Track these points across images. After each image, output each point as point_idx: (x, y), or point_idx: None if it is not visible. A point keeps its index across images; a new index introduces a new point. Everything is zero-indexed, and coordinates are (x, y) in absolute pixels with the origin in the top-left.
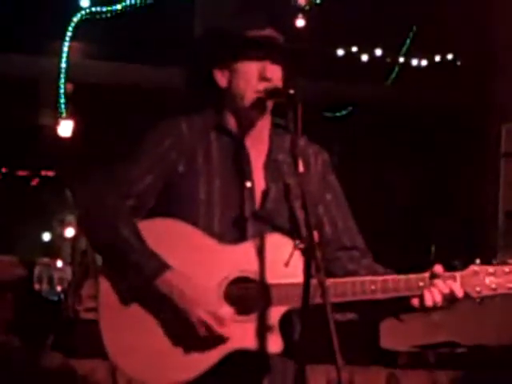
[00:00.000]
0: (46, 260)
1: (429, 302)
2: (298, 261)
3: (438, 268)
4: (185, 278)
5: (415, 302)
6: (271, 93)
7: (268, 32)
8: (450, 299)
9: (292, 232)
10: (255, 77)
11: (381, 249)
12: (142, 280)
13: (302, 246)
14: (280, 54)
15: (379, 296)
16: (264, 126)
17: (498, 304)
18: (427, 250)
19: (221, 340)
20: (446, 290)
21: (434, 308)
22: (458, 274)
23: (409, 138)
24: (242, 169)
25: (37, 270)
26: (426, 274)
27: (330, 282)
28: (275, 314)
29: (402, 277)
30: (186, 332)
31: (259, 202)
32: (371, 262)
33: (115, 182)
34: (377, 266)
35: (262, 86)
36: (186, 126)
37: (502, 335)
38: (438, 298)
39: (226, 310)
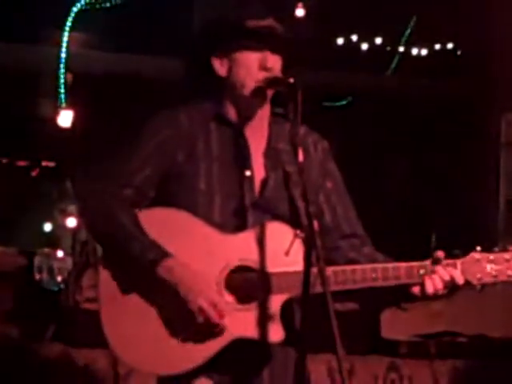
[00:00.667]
0: (46, 250)
1: (430, 290)
2: (298, 249)
3: (440, 253)
4: (185, 266)
5: (416, 289)
6: (271, 81)
7: (268, 22)
8: (451, 287)
9: (292, 220)
10: (255, 66)
11: (381, 238)
12: (142, 268)
13: (302, 234)
14: (280, 44)
15: (380, 284)
16: (264, 115)
17: (500, 293)
18: (428, 240)
19: (219, 330)
20: (447, 277)
21: (435, 296)
22: (458, 262)
23: (409, 127)
24: (242, 158)
25: (37, 260)
26: (427, 262)
27: (330, 270)
28: (276, 302)
29: (402, 264)
30: (186, 320)
31: (258, 191)
32: (372, 251)
33: (114, 173)
34: (377, 254)
35: (262, 75)
36: (185, 117)
37: (503, 325)
38: (440, 285)
39: (227, 299)
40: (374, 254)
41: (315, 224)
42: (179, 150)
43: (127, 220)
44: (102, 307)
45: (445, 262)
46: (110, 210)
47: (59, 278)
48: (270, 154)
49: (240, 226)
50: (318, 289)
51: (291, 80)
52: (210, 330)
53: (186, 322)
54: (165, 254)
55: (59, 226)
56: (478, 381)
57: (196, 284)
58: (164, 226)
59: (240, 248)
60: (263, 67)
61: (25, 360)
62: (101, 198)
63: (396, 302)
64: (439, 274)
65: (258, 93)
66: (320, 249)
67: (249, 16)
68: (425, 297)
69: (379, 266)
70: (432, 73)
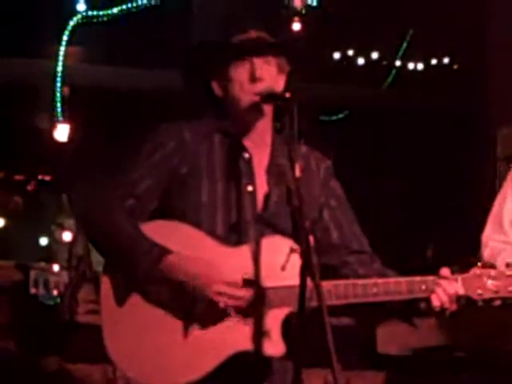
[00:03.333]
0: (41, 264)
1: (436, 303)
2: (296, 263)
3: (445, 271)
4: (189, 258)
5: (423, 305)
6: (267, 96)
7: (253, 34)
8: (456, 302)
9: (294, 236)
10: (246, 79)
11: (380, 251)
12: (145, 269)
13: (297, 249)
14: (266, 48)
15: (381, 298)
16: (265, 130)
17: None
18: (424, 253)
19: (230, 312)
20: (452, 291)
21: (443, 311)
22: (459, 277)
23: (406, 141)
24: (245, 173)
25: (33, 274)
26: (430, 278)
27: (331, 284)
28: (277, 316)
29: (403, 279)
30: (194, 320)
31: (261, 206)
32: (381, 267)
33: (115, 184)
34: (387, 270)
35: (256, 87)
36: (189, 130)
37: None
38: (444, 298)
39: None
40: (384, 270)
41: (310, 238)
42: (182, 163)
43: (127, 225)
44: (103, 320)
45: (448, 277)
46: (109, 217)
47: (55, 292)
48: (273, 169)
49: (242, 240)
50: (315, 303)
51: (287, 94)
52: (222, 313)
53: (190, 323)
54: (166, 251)
55: (55, 240)
56: None
57: (205, 270)
58: (166, 238)
59: (242, 261)
60: (254, 77)
61: (21, 374)
62: (101, 206)
63: (406, 318)
64: (442, 287)
65: (254, 108)
66: (315, 264)
67: (233, 32)
68: (432, 311)
69: (380, 280)
70: (428, 87)
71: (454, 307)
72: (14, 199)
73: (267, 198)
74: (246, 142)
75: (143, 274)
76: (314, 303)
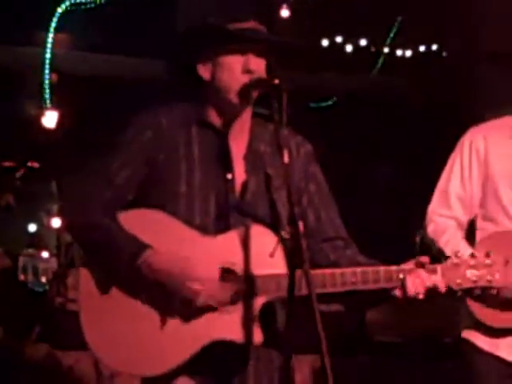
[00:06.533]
0: (30, 251)
1: (411, 291)
2: (281, 252)
3: (424, 258)
4: (167, 254)
5: (397, 291)
6: (256, 83)
7: (251, 24)
8: (432, 292)
9: (273, 223)
10: (239, 70)
11: (365, 240)
12: (123, 262)
13: (287, 236)
14: (263, 47)
15: (360, 287)
16: (246, 117)
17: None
18: (412, 243)
19: (210, 307)
20: (429, 282)
21: (415, 299)
22: (438, 267)
23: (394, 128)
24: (223, 161)
25: (21, 261)
26: (407, 266)
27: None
28: (256, 305)
29: (381, 268)
30: (169, 313)
31: (239, 194)
32: (355, 253)
33: (94, 175)
34: (360, 256)
35: (246, 78)
36: (166, 119)
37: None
38: (421, 288)
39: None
40: (357, 256)
41: (300, 226)
42: (160, 153)
43: (105, 219)
44: (82, 309)
45: (426, 266)
46: (87, 210)
47: (44, 279)
48: (251, 156)
49: (221, 229)
50: (303, 291)
51: (276, 81)
52: (199, 309)
53: (168, 314)
54: (145, 246)
55: (44, 227)
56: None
57: (181, 266)
58: (145, 227)
59: (221, 250)
60: (246, 70)
61: (9, 360)
62: (79, 199)
63: (377, 304)
64: (421, 278)
65: (244, 94)
66: (305, 251)
67: (231, 19)
68: (405, 299)
69: (359, 269)
70: (417, 74)
71: (424, 296)
72: (6, 197)
73: (245, 185)
74: (225, 130)
75: (121, 269)
76: (300, 291)
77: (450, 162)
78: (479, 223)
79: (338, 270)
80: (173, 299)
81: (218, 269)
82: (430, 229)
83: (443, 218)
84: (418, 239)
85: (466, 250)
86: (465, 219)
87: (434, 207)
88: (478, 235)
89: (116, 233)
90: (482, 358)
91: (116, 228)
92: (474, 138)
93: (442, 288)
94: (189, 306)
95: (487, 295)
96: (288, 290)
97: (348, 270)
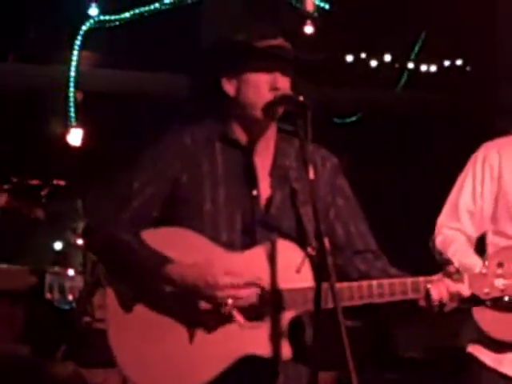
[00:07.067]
0: (56, 269)
1: (436, 297)
2: (307, 267)
3: (452, 268)
4: (188, 265)
5: (422, 301)
6: (281, 100)
7: (278, 42)
8: (459, 301)
9: (298, 238)
10: (265, 87)
11: (391, 253)
12: (146, 275)
13: (313, 252)
14: (290, 65)
15: (387, 299)
16: (271, 133)
17: None
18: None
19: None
20: (454, 288)
21: (441, 308)
22: (466, 276)
23: (419, 143)
24: (248, 177)
25: (48, 279)
26: (435, 277)
27: (337, 286)
28: (284, 319)
29: (408, 279)
30: (195, 328)
31: (264, 209)
32: (385, 265)
33: (118, 192)
34: (392, 268)
35: (272, 95)
36: (189, 137)
37: None
38: (445, 294)
39: (237, 317)
40: (387, 268)
41: (326, 242)
42: (184, 170)
43: (127, 236)
44: (109, 327)
45: (453, 276)
46: (109, 230)
47: (70, 297)
48: (276, 172)
49: (247, 245)
50: (329, 304)
51: (301, 98)
52: (226, 317)
53: (194, 329)
54: (166, 259)
55: (70, 245)
56: None
57: (202, 277)
58: (169, 245)
59: (247, 265)
60: (273, 88)
61: (36, 379)
62: (101, 219)
63: (402, 316)
64: (446, 285)
65: (268, 111)
66: (331, 267)
67: (258, 36)
68: (431, 307)
69: (386, 281)
70: (441, 89)
71: (453, 305)
72: (35, 210)
73: (270, 200)
74: (250, 146)
75: (145, 282)
76: (326, 305)
77: (462, 175)
78: (490, 238)
79: (365, 283)
80: (199, 311)
81: (243, 280)
82: (439, 240)
83: (452, 231)
84: (431, 245)
85: (475, 260)
86: (474, 234)
87: (444, 220)
88: (489, 249)
89: (138, 248)
90: (486, 374)
91: (138, 243)
92: (488, 154)
93: (466, 294)
94: (215, 317)
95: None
96: (314, 304)
97: (375, 282)
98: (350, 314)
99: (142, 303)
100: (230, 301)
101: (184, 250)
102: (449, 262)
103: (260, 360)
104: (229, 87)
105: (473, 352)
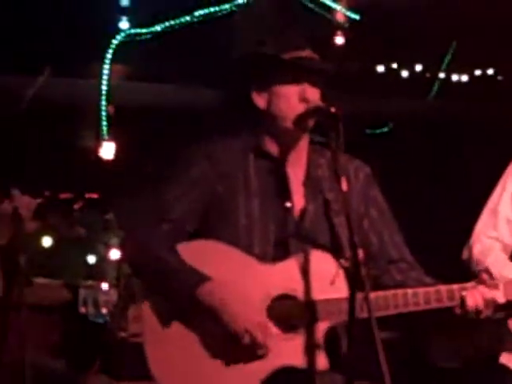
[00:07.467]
0: (90, 283)
1: (471, 303)
2: (341, 278)
3: (485, 275)
4: (226, 288)
5: (457, 309)
6: (312, 111)
7: (306, 53)
8: (494, 308)
9: (332, 249)
10: (295, 98)
11: (425, 262)
12: (182, 294)
13: (346, 264)
14: (319, 76)
15: (422, 307)
16: (303, 145)
17: None
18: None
19: (263, 352)
20: (489, 295)
21: (476, 316)
22: (501, 283)
23: (451, 153)
24: (281, 189)
25: (82, 293)
26: (469, 284)
27: (372, 296)
28: (320, 330)
29: (443, 287)
30: (231, 346)
31: (298, 221)
32: (420, 275)
33: (153, 206)
34: (427, 278)
35: (303, 106)
36: (223, 149)
37: None
38: (480, 301)
39: (272, 328)
40: (422, 277)
41: (360, 253)
42: (217, 184)
43: (164, 251)
44: (146, 342)
45: (488, 283)
46: (147, 244)
47: (104, 311)
48: (310, 182)
49: (280, 257)
50: (362, 315)
51: (333, 109)
52: (255, 351)
53: (231, 348)
54: (203, 278)
55: (103, 259)
56: None
57: (239, 305)
58: (204, 257)
59: (281, 277)
60: (303, 99)
61: None
62: (138, 232)
63: (439, 328)
64: (481, 292)
65: (300, 123)
66: (365, 278)
67: (286, 48)
68: (466, 315)
69: (421, 290)
70: (472, 98)
71: (488, 312)
72: (76, 230)
73: (304, 212)
74: (282, 158)
75: (181, 300)
76: (360, 315)
77: (501, 183)
78: None
79: (400, 291)
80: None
81: (281, 292)
82: (477, 250)
83: (490, 240)
84: (465, 255)
85: None
86: (511, 243)
87: (482, 228)
88: None
89: (175, 265)
90: None
91: (175, 260)
92: None
93: (501, 301)
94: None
95: None
96: (349, 314)
97: (410, 291)
98: (387, 326)
99: (179, 318)
100: (248, 335)
101: (219, 263)
102: (486, 271)
103: (296, 371)
104: (259, 100)
105: (506, 363)
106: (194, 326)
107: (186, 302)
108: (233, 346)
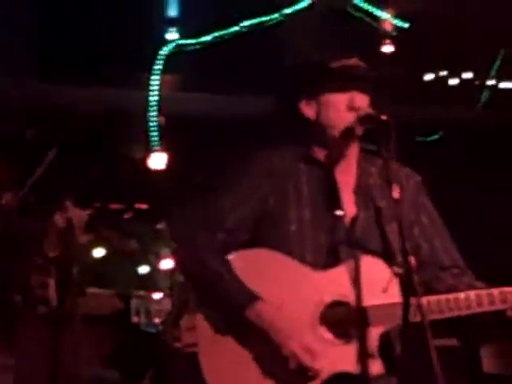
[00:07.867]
0: (142, 293)
1: None
2: (394, 284)
3: None
4: (275, 309)
5: (510, 312)
6: (363, 119)
7: (352, 61)
8: None
9: (384, 256)
10: (343, 107)
11: (476, 270)
12: (232, 312)
13: (399, 271)
14: (366, 84)
15: (474, 310)
16: (353, 153)
17: None
18: None
19: (313, 374)
20: None
21: None
22: None
23: (501, 161)
24: (332, 198)
25: (134, 303)
26: None
27: (424, 300)
28: (374, 335)
29: (496, 290)
30: (280, 364)
31: (349, 228)
32: (472, 280)
33: (207, 216)
34: (478, 283)
35: (351, 115)
36: (278, 159)
37: None
38: None
39: (324, 335)
40: (474, 282)
41: (412, 260)
42: (271, 193)
43: (217, 264)
44: (201, 354)
45: None
46: (200, 255)
47: (156, 320)
48: (361, 190)
49: (332, 264)
50: (416, 318)
51: (384, 117)
52: (304, 373)
53: (281, 366)
54: (253, 298)
55: (154, 269)
56: None
57: (287, 328)
58: (257, 266)
59: (333, 283)
60: (351, 107)
61: None
62: (192, 242)
63: (492, 335)
64: None
65: (348, 134)
66: (417, 285)
67: (332, 57)
68: None
69: (472, 293)
70: None
71: None
72: (129, 244)
73: (356, 220)
74: (333, 166)
75: (231, 316)
76: (415, 319)
77: None
78: None
79: (452, 295)
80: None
81: (334, 298)
82: None
83: None
84: None
85: None
86: None
87: None
88: None
89: (227, 280)
90: None
91: (228, 274)
92: None
93: None
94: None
95: None
96: (403, 319)
97: (462, 294)
98: (442, 333)
99: (232, 331)
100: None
101: (272, 272)
102: None
103: (351, 377)
104: (308, 110)
105: None
106: (246, 342)
107: (235, 320)
108: (283, 365)
